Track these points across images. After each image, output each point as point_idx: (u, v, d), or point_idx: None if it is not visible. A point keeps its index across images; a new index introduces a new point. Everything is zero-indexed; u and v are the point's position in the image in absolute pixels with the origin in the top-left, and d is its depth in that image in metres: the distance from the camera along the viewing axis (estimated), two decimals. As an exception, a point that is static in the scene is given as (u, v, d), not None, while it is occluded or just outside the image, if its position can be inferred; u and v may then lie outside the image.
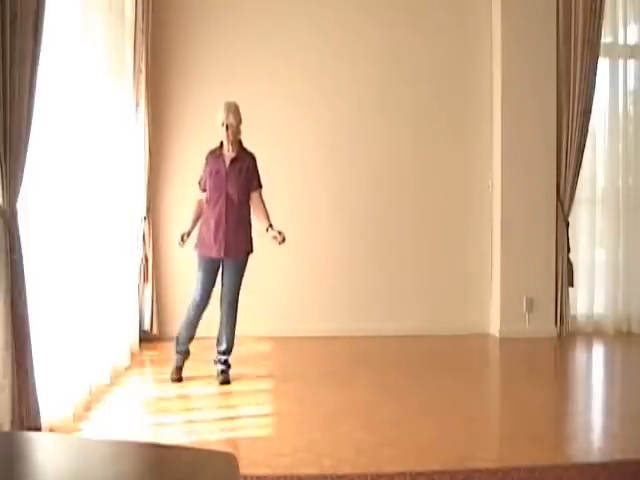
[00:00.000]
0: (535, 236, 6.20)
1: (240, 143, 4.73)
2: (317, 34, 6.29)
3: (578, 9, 6.14)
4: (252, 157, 4.75)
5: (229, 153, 4.68)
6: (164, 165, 6.18)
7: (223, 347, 4.73)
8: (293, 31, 6.26)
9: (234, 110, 4.61)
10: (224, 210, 4.63)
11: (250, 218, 4.73)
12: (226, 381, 4.62)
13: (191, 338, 4.78)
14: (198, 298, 4.68)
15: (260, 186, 4.73)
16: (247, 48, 6.20)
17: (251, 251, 4.74)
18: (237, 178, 4.66)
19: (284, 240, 4.57)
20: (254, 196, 4.71)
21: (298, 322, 6.11)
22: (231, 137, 4.62)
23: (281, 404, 4.29)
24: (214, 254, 4.67)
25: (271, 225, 4.61)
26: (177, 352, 4.77)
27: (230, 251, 4.65)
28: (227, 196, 4.64)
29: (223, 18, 6.19)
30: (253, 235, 4.76)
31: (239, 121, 4.63)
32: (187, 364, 4.83)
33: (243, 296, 6.21)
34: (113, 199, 4.81)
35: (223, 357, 4.74)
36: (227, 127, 4.58)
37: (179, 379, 4.67)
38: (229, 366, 4.74)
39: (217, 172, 4.68)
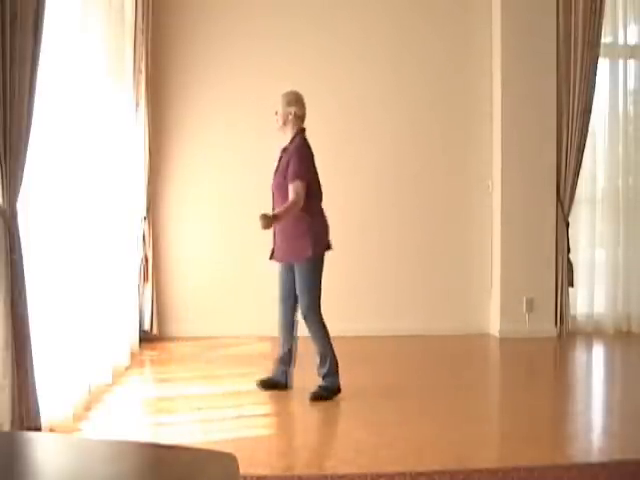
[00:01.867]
0: (535, 236, 6.20)
1: (295, 133, 4.31)
2: (317, 34, 6.28)
3: (578, 9, 6.13)
4: (295, 146, 4.27)
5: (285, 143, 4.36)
6: (164, 165, 6.18)
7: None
8: (293, 31, 6.26)
9: (282, 96, 4.35)
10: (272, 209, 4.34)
11: (301, 215, 4.21)
12: (315, 398, 4.23)
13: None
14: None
15: (291, 179, 4.15)
16: (247, 48, 6.20)
17: (312, 256, 4.24)
18: (277, 173, 4.34)
19: (262, 225, 4.01)
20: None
21: (298, 322, 6.11)
22: (279, 122, 4.33)
23: (281, 404, 4.29)
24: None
25: (274, 215, 4.10)
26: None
27: (276, 255, 4.50)
28: (272, 193, 4.38)
29: (223, 18, 6.19)
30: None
31: (284, 104, 4.30)
32: (187, 364, 4.83)
33: (242, 296, 6.26)
34: (113, 199, 4.80)
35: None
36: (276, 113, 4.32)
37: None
38: (327, 382, 4.28)
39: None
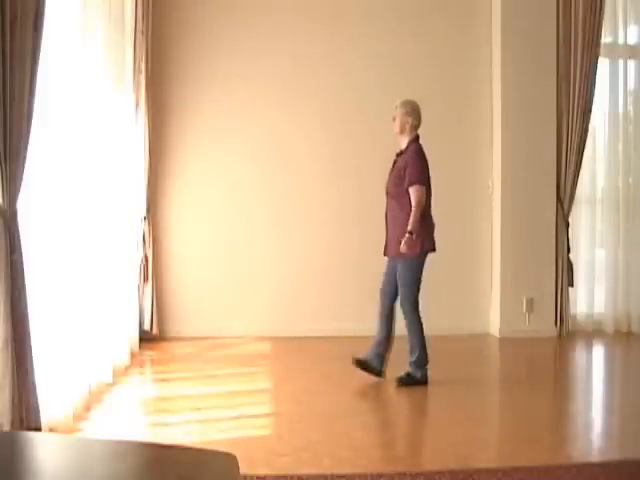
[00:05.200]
0: (535, 236, 6.20)
1: (410, 138, 4.59)
2: (317, 35, 6.28)
3: (578, 9, 6.13)
4: (412, 151, 4.55)
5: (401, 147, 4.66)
6: (164, 165, 6.18)
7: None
8: (294, 33, 6.25)
9: (400, 105, 4.62)
10: (386, 208, 4.68)
11: (407, 217, 4.48)
12: (400, 382, 4.55)
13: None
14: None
15: (411, 183, 4.46)
16: (247, 47, 6.20)
17: (418, 252, 4.50)
18: (392, 174, 4.60)
19: (409, 250, 4.41)
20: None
21: (298, 322, 6.12)
22: (395, 129, 4.63)
23: (281, 404, 4.29)
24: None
25: (410, 232, 4.41)
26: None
27: (388, 250, 4.68)
28: (387, 192, 4.66)
29: (223, 18, 6.19)
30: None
31: (402, 113, 4.58)
32: (187, 364, 4.83)
33: (242, 296, 6.25)
34: (113, 199, 4.80)
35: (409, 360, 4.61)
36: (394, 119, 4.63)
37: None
38: (413, 370, 4.58)
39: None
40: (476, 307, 6.39)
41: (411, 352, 4.59)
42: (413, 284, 4.57)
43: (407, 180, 4.47)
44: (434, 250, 4.66)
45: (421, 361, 4.57)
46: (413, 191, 4.45)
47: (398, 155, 4.67)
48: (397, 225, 4.54)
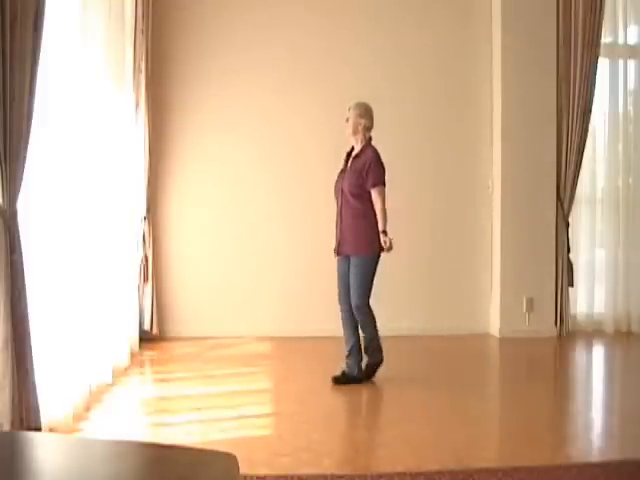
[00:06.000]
0: (535, 236, 6.20)
1: (365, 140, 4.72)
2: (318, 29, 6.28)
3: (578, 9, 6.14)
4: (371, 153, 4.67)
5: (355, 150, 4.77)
6: (164, 165, 6.18)
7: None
8: (294, 28, 6.25)
9: (354, 107, 4.74)
10: (339, 207, 4.74)
11: (365, 215, 4.62)
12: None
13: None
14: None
15: (375, 184, 4.59)
16: (247, 48, 6.20)
17: (371, 251, 4.61)
18: (350, 175, 4.68)
19: (390, 248, 4.54)
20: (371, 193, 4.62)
21: (298, 322, 6.12)
22: (348, 130, 4.74)
23: (282, 404, 4.29)
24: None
25: (383, 231, 4.55)
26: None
27: (342, 249, 4.71)
28: (342, 192, 4.71)
29: (223, 17, 6.19)
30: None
31: (355, 115, 4.70)
32: (187, 364, 4.81)
33: (241, 295, 6.25)
34: (113, 199, 4.80)
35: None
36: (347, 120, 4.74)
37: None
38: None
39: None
40: (476, 307, 6.39)
41: (367, 347, 4.67)
42: (367, 283, 4.64)
43: (370, 181, 4.58)
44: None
45: (377, 346, 4.68)
46: (378, 192, 4.59)
47: (350, 156, 4.77)
48: (356, 225, 4.61)
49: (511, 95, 6.17)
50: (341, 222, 4.71)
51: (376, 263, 4.64)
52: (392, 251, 6.35)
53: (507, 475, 3.01)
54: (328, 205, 6.26)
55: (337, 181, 4.79)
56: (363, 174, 4.60)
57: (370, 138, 4.75)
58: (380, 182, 4.60)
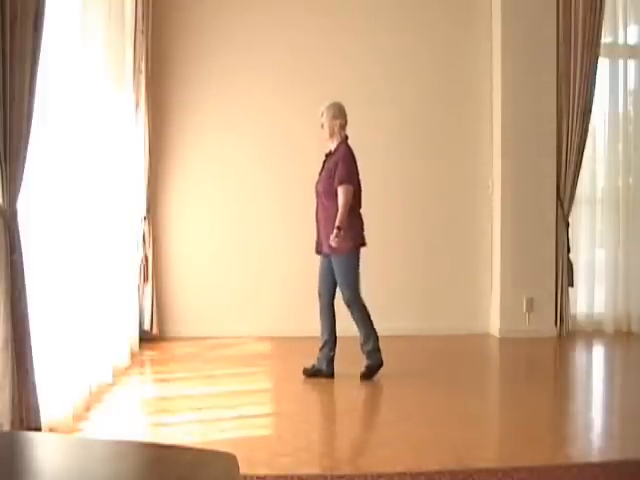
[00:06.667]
0: (535, 236, 6.20)
1: (340, 139, 4.74)
2: (319, 41, 6.28)
3: (578, 9, 6.13)
4: (341, 151, 4.70)
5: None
6: (164, 165, 6.18)
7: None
8: (294, 28, 6.25)
9: (326, 110, 4.75)
10: (316, 207, 4.80)
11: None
12: (364, 377, 4.68)
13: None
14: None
15: (340, 182, 4.61)
16: (247, 47, 6.20)
17: (348, 249, 4.64)
18: (323, 174, 4.72)
19: (335, 246, 4.53)
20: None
21: (298, 322, 6.11)
22: (325, 136, 4.77)
23: (281, 404, 4.29)
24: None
25: (338, 227, 4.52)
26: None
27: (322, 247, 4.74)
28: (317, 193, 4.77)
29: (223, 17, 6.19)
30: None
31: (330, 117, 4.71)
32: (187, 364, 4.81)
33: (241, 295, 6.25)
34: (113, 199, 4.80)
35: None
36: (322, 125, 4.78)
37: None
38: (371, 360, 4.71)
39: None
40: (476, 307, 6.39)
41: (365, 342, 4.71)
42: (353, 279, 4.68)
43: (337, 180, 4.61)
44: (364, 245, 4.79)
45: (375, 345, 4.71)
46: (341, 190, 4.59)
47: (327, 156, 4.81)
48: (330, 223, 4.62)
49: (511, 95, 6.16)
50: (318, 222, 4.78)
51: (357, 258, 4.69)
52: (392, 251, 6.41)
53: (507, 475, 3.01)
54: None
55: (316, 182, 4.82)
56: (333, 173, 4.64)
57: (346, 137, 4.76)
58: (346, 180, 4.61)
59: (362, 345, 4.74)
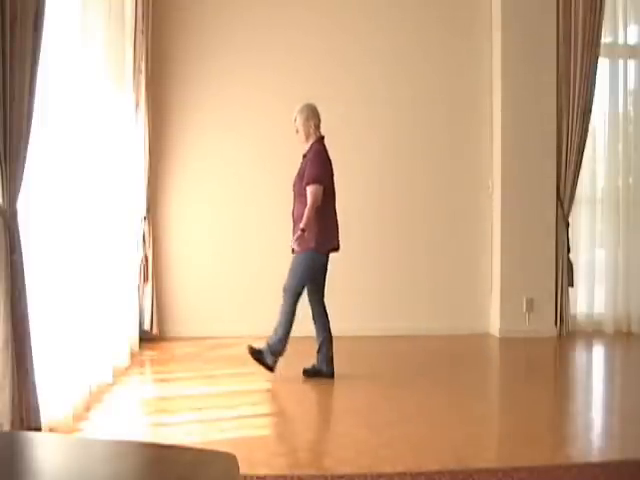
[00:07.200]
0: (535, 236, 6.20)
1: (314, 139, 4.72)
2: (319, 43, 6.28)
3: (578, 9, 6.14)
4: (313, 151, 4.69)
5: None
6: (164, 165, 6.18)
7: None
8: (294, 28, 6.26)
9: (298, 114, 4.73)
10: (292, 208, 4.76)
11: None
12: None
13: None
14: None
15: (308, 182, 4.58)
16: (247, 47, 6.21)
17: (308, 249, 4.60)
18: (298, 175, 4.72)
19: (297, 247, 4.55)
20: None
21: (298, 322, 6.10)
22: (301, 139, 4.76)
23: (281, 404, 4.29)
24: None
25: (302, 229, 4.50)
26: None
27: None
28: (293, 193, 4.76)
29: (223, 17, 6.19)
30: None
31: (303, 120, 4.70)
32: (187, 364, 4.81)
33: (241, 295, 6.25)
34: (113, 199, 4.80)
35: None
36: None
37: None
38: (265, 352, 4.72)
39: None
40: (476, 307, 6.39)
41: (273, 335, 4.70)
42: (300, 278, 4.65)
43: (305, 180, 4.58)
44: (336, 250, 4.75)
45: (276, 349, 4.68)
46: (309, 189, 4.55)
47: (303, 157, 4.79)
48: (299, 225, 4.59)
49: (511, 95, 6.17)
50: (294, 222, 4.74)
51: (314, 261, 4.64)
52: (392, 251, 6.42)
53: (507, 475, 3.01)
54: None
55: (293, 183, 4.80)
56: (303, 173, 4.63)
57: (321, 136, 4.74)
58: (314, 181, 4.56)
59: (271, 336, 4.71)
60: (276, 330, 4.70)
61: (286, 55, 6.25)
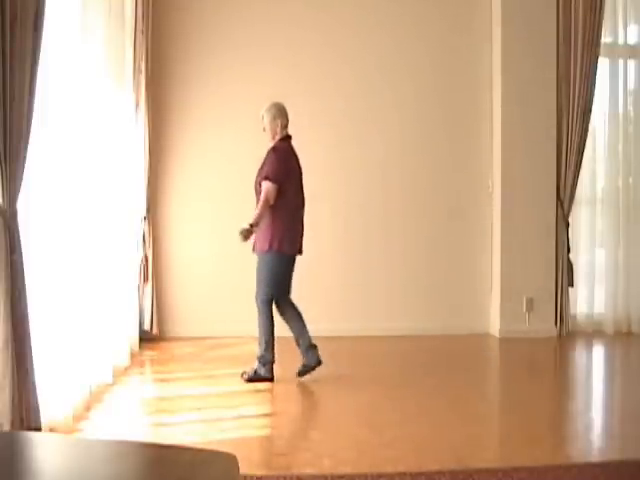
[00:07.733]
0: (535, 236, 6.20)
1: (279, 138, 4.71)
2: (319, 38, 6.28)
3: (578, 9, 6.13)
4: (273, 150, 4.67)
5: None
6: (164, 165, 6.18)
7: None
8: (295, 25, 6.25)
9: (266, 113, 4.71)
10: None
11: (270, 214, 4.57)
12: (244, 375, 4.64)
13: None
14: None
15: (263, 179, 4.56)
16: (247, 47, 6.20)
17: (269, 249, 4.59)
18: (258, 172, 4.69)
19: (244, 240, 4.47)
20: None
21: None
22: (269, 138, 4.73)
23: (281, 404, 4.29)
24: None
25: (251, 224, 4.47)
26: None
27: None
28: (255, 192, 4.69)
29: (223, 17, 6.19)
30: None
31: (270, 119, 4.69)
32: (187, 364, 4.81)
33: (242, 296, 6.23)
34: (113, 199, 4.80)
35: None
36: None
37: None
38: (257, 366, 4.64)
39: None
40: (476, 307, 6.39)
41: (259, 348, 4.64)
42: (268, 282, 4.60)
43: (262, 176, 4.56)
44: (299, 253, 4.71)
45: (266, 360, 4.62)
46: (263, 186, 4.53)
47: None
48: (262, 222, 4.55)
49: (511, 95, 6.16)
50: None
51: (275, 263, 4.59)
52: (392, 251, 6.41)
53: (507, 475, 3.01)
54: (327, 203, 6.28)
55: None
56: (261, 171, 4.61)
57: (287, 135, 4.72)
58: (269, 178, 4.52)
59: (257, 349, 4.66)
60: (259, 343, 4.65)
61: (285, 50, 6.24)
